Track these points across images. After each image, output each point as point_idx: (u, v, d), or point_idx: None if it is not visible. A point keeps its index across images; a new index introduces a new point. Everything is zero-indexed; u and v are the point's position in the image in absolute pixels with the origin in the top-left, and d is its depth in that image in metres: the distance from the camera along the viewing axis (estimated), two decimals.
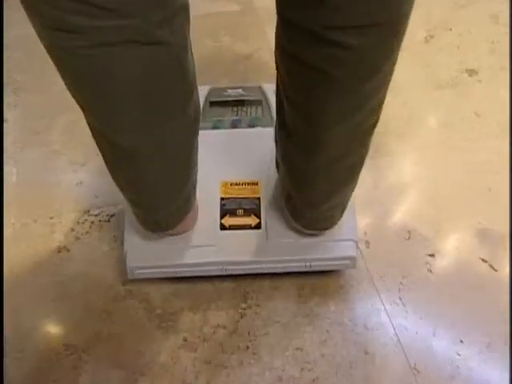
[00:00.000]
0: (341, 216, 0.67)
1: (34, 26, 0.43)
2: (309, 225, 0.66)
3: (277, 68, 0.54)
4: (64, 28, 0.40)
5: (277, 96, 0.58)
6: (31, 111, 1.01)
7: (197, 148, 0.60)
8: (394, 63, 0.48)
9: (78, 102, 0.50)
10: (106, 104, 0.47)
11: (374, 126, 0.54)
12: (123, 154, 0.53)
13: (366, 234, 0.79)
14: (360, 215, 0.79)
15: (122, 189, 0.60)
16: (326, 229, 0.68)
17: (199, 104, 0.56)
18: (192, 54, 0.51)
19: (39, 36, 0.44)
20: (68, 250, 0.78)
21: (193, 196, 0.65)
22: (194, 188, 0.65)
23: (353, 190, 0.64)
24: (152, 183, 0.57)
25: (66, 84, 0.48)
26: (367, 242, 0.78)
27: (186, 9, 0.47)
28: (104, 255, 0.77)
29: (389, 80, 0.50)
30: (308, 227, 0.67)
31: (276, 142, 0.65)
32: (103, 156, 0.56)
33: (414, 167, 0.89)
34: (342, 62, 0.45)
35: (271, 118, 0.83)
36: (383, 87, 0.50)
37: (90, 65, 0.44)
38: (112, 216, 0.82)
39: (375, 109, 0.52)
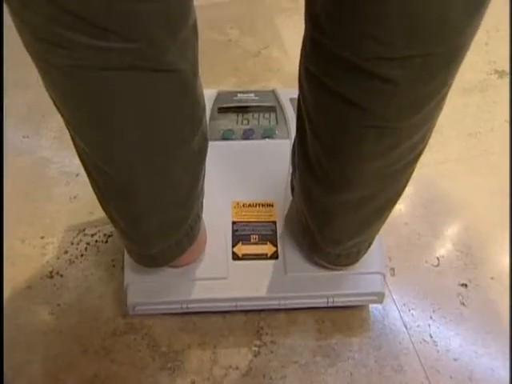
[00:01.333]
0: (366, 251, 0.60)
1: (22, 34, 0.36)
2: (329, 260, 0.60)
3: (300, 87, 0.47)
4: (58, 43, 0.34)
5: (298, 116, 0.51)
6: (18, 111, 0.92)
7: (203, 178, 0.54)
8: (445, 94, 0.41)
9: (66, 122, 0.43)
10: (97, 132, 0.41)
11: (416, 160, 0.47)
12: (114, 184, 0.46)
13: (390, 259, 0.73)
14: (384, 239, 0.72)
15: (111, 218, 0.54)
16: (349, 265, 0.61)
17: (207, 131, 0.49)
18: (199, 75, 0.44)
19: (27, 47, 0.37)
20: (61, 276, 0.71)
21: (197, 227, 0.58)
22: (199, 217, 0.58)
23: (383, 224, 0.57)
24: (147, 216, 0.50)
25: (53, 101, 0.41)
26: (392, 269, 0.72)
27: (195, 27, 0.40)
28: (101, 282, 0.70)
29: (437, 114, 0.43)
30: (329, 262, 0.60)
31: (293, 165, 0.58)
32: (90, 181, 0.50)
33: (439, 183, 0.82)
34: (382, 97, 0.38)
35: (287, 128, 0.76)
36: (429, 122, 0.43)
37: (84, 88, 0.37)
38: (110, 236, 0.75)
39: (417, 144, 0.45)
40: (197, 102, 0.44)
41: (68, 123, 0.43)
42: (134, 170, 0.44)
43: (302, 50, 0.43)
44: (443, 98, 0.42)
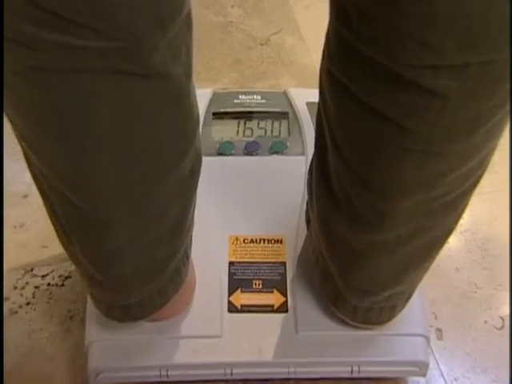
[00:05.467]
0: (405, 305, 0.62)
1: None
2: (356, 317, 0.61)
3: (321, 94, 0.49)
4: (19, 40, 0.36)
5: (317, 130, 0.53)
6: None
7: (193, 206, 0.56)
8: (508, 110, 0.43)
9: (20, 137, 0.44)
10: (64, 152, 0.43)
11: (471, 190, 0.49)
12: (81, 215, 0.48)
13: (436, 317, 0.74)
14: (428, 289, 0.74)
15: (74, 258, 0.55)
16: (381, 323, 0.63)
17: (200, 148, 0.52)
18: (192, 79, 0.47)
19: None
20: None
21: (184, 269, 0.60)
22: (187, 258, 0.60)
23: (427, 270, 0.59)
24: (123, 256, 0.52)
25: (8, 116, 0.43)
26: (439, 331, 0.74)
27: (189, 19, 0.42)
28: (53, 340, 0.72)
29: (500, 133, 0.44)
30: (355, 319, 0.62)
31: (310, 191, 0.60)
32: (47, 209, 0.51)
33: (502, 216, 0.84)
34: (427, 113, 0.40)
35: (302, 142, 0.79)
36: (489, 143, 0.44)
37: (51, 97, 0.39)
38: (68, 278, 0.77)
39: (473, 171, 0.46)
40: (190, 112, 0.45)
41: (22, 138, 0.44)
42: (109, 198, 0.46)
43: (324, 48, 0.45)
44: (507, 113, 0.43)
